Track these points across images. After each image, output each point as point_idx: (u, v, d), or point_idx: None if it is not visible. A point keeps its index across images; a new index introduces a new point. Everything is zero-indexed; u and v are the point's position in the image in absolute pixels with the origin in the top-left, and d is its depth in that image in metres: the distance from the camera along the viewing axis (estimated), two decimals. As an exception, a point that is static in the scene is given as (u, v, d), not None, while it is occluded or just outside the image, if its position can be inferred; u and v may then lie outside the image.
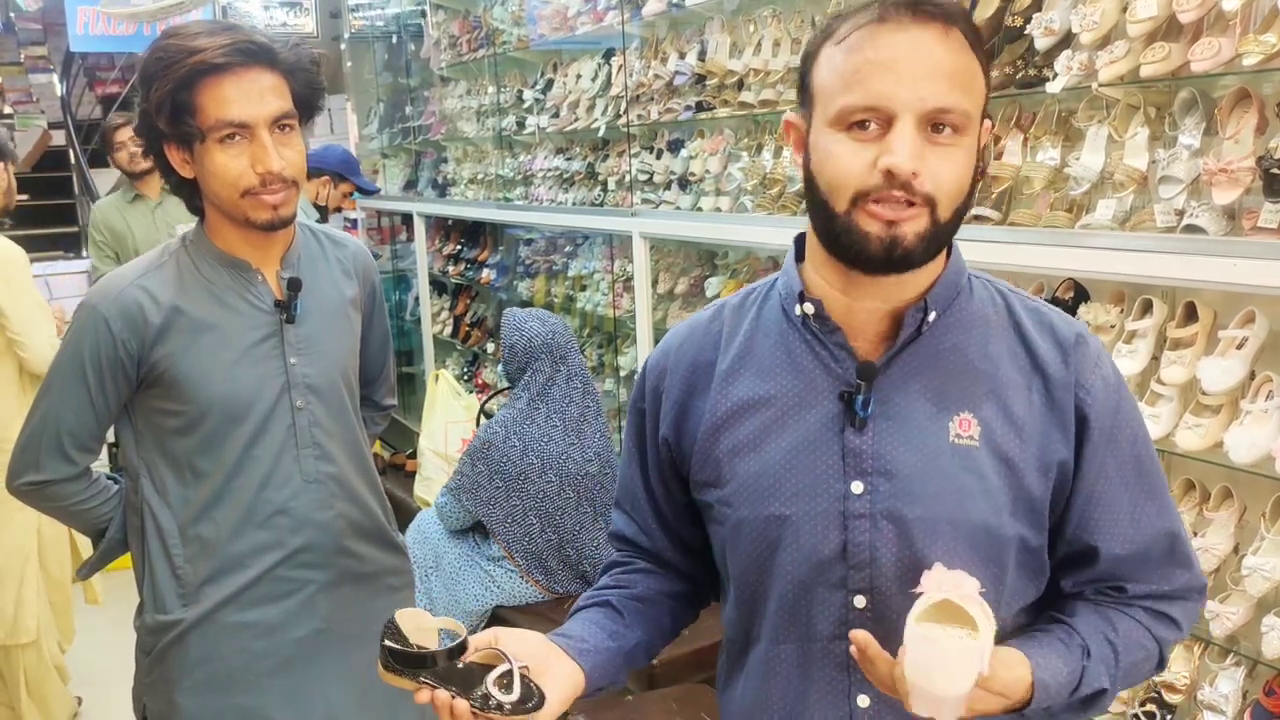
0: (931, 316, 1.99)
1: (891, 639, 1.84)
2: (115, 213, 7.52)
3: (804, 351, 2.05)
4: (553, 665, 2.05)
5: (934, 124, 1.84)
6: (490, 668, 1.96)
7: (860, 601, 1.98)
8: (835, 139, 1.87)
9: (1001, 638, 1.85)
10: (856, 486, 1.97)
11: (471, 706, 1.93)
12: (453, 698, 1.93)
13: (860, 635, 1.84)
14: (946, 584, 1.79)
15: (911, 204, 1.83)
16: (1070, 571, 2.10)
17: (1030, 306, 2.09)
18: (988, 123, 2.00)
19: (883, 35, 1.84)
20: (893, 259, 1.87)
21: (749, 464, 2.06)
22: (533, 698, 1.95)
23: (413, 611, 2.00)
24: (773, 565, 2.05)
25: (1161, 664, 2.14)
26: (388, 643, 1.96)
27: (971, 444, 1.97)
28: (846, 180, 1.85)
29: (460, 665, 1.96)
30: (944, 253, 2.00)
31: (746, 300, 2.19)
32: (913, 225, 1.84)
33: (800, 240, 2.11)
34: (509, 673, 1.95)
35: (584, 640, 2.15)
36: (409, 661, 1.95)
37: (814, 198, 1.94)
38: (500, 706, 1.92)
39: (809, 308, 2.02)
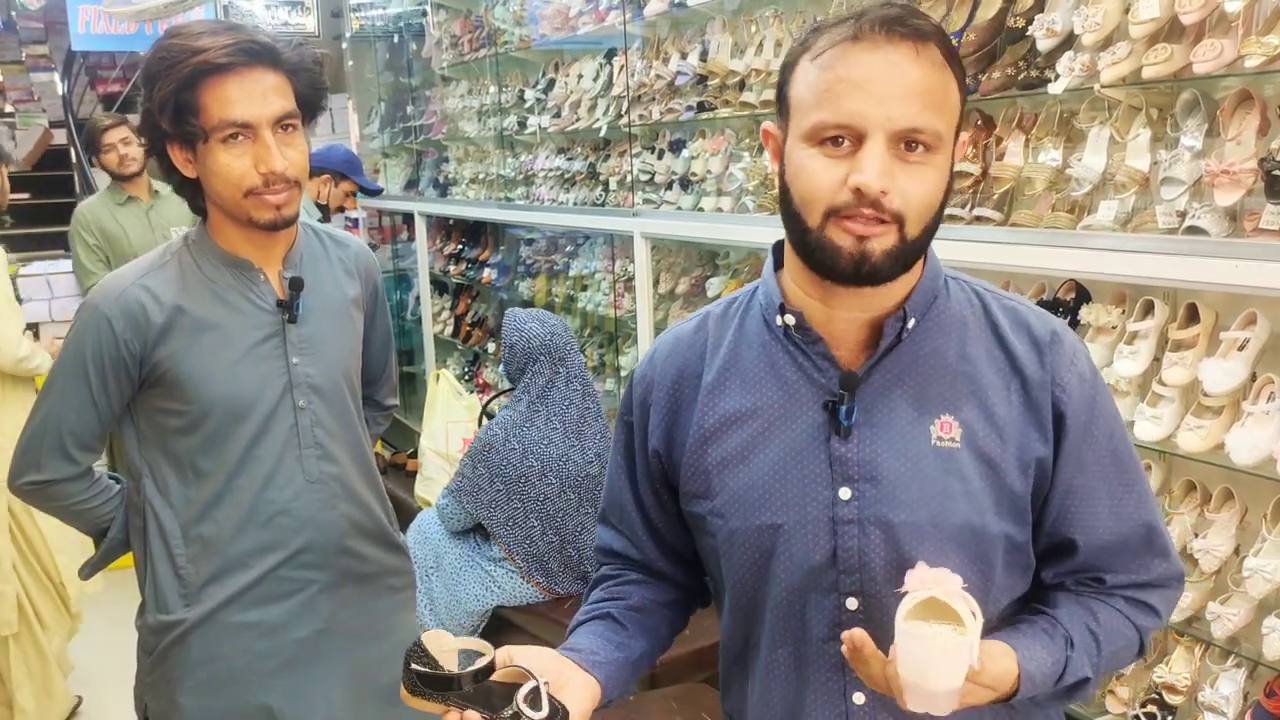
0: (911, 324, 2.04)
1: (884, 639, 1.88)
2: (106, 214, 7.41)
3: (787, 363, 2.09)
4: (569, 679, 2.05)
5: (906, 142, 1.87)
6: (511, 685, 1.96)
7: (852, 604, 2.03)
8: (808, 154, 1.92)
9: (989, 630, 1.89)
10: (844, 493, 2.02)
11: None
12: (486, 717, 1.92)
13: (857, 634, 1.87)
14: (930, 582, 1.82)
15: (882, 221, 1.87)
16: (1051, 563, 2.14)
17: (1007, 306, 2.12)
18: (963, 137, 2.04)
19: (856, 54, 1.88)
20: (861, 274, 1.91)
21: (738, 476, 2.10)
22: (559, 713, 1.96)
23: (435, 633, 1.99)
24: (768, 573, 2.09)
25: (1142, 651, 2.19)
26: (415, 666, 1.95)
27: (953, 446, 2.01)
28: (818, 195, 1.90)
29: (483, 685, 1.96)
30: (921, 262, 2.05)
31: (729, 310, 2.23)
32: (880, 242, 1.88)
33: (778, 248, 2.15)
34: (536, 689, 1.95)
35: (594, 653, 2.16)
36: (437, 684, 1.94)
37: (788, 209, 1.98)
38: None
39: (790, 319, 2.07)
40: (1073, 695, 2.08)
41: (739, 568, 2.13)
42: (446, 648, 1.98)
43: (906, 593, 1.83)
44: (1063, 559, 2.12)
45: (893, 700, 1.90)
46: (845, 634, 1.87)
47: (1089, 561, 2.11)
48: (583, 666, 2.10)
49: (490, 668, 1.96)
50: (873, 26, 1.88)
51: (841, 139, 1.88)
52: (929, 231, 1.95)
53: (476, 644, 2.00)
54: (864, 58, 1.87)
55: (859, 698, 2.06)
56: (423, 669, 1.94)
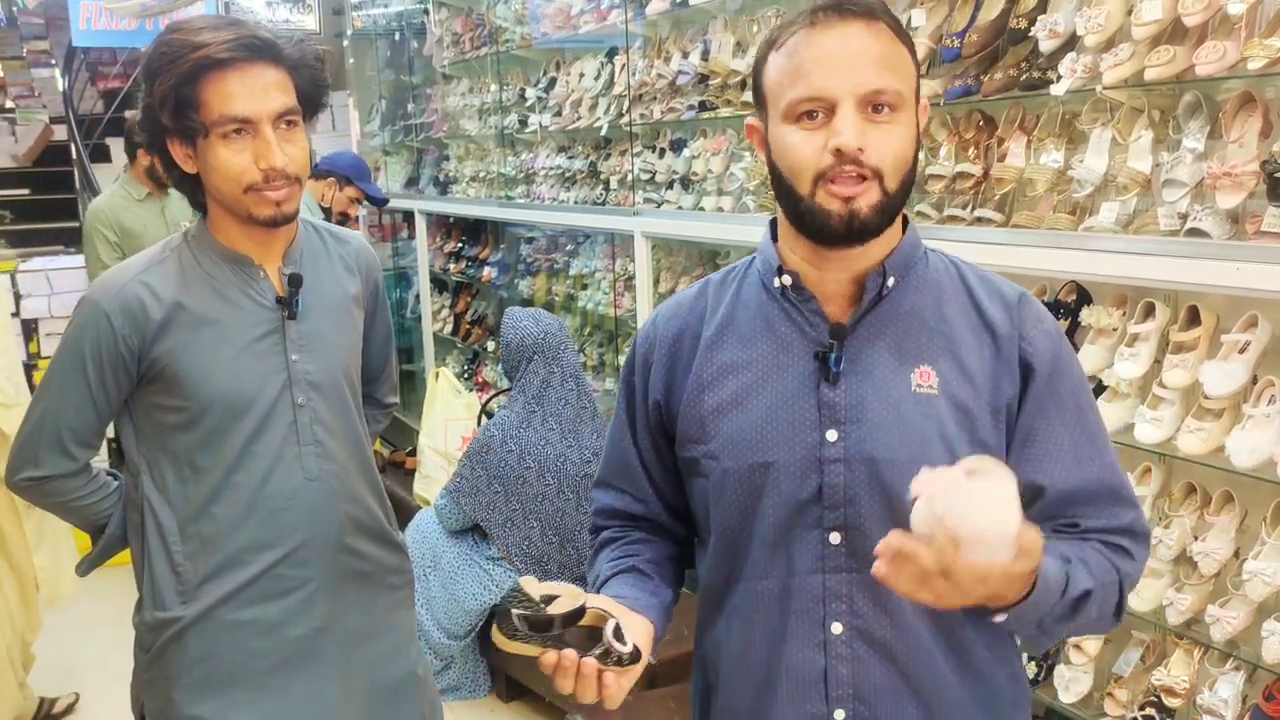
0: (890, 281, 2.21)
1: (864, 570, 2.03)
2: (126, 210, 7.23)
3: (781, 319, 2.26)
4: (630, 621, 2.17)
5: (872, 105, 2.06)
6: (589, 627, 2.06)
7: (835, 538, 2.18)
8: (789, 131, 2.11)
9: None
10: (831, 434, 2.18)
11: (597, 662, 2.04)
12: (580, 657, 2.02)
13: (892, 537, 1.88)
14: (937, 480, 1.85)
15: (863, 178, 2.06)
16: (1024, 511, 2.18)
17: (980, 275, 2.31)
18: (925, 101, 2.23)
19: (815, 35, 2.10)
20: (853, 231, 2.09)
21: (732, 420, 2.25)
22: (635, 651, 2.08)
23: (527, 579, 2.08)
24: (756, 511, 2.24)
25: (1120, 607, 2.21)
26: (517, 611, 2.02)
27: (931, 392, 2.17)
28: (804, 164, 2.08)
29: (570, 629, 2.05)
30: (900, 228, 2.25)
31: (728, 277, 2.40)
32: (866, 199, 2.06)
33: (773, 223, 2.34)
34: (618, 627, 2.06)
35: (637, 599, 2.28)
36: (538, 627, 2.02)
37: (780, 185, 2.17)
38: (620, 659, 2.04)
39: (787, 279, 2.24)
40: (1077, 612, 2.11)
41: (729, 506, 2.27)
42: (536, 593, 2.07)
43: (916, 498, 1.87)
44: (1033, 503, 2.15)
45: (867, 630, 2.16)
46: (880, 544, 1.89)
47: (1060, 507, 2.22)
48: (634, 610, 2.23)
49: (582, 611, 2.05)
50: (826, 11, 2.10)
51: (815, 112, 2.07)
52: (906, 185, 2.13)
53: (563, 588, 2.10)
54: (822, 38, 2.09)
55: (836, 627, 2.19)
56: (525, 612, 2.02)
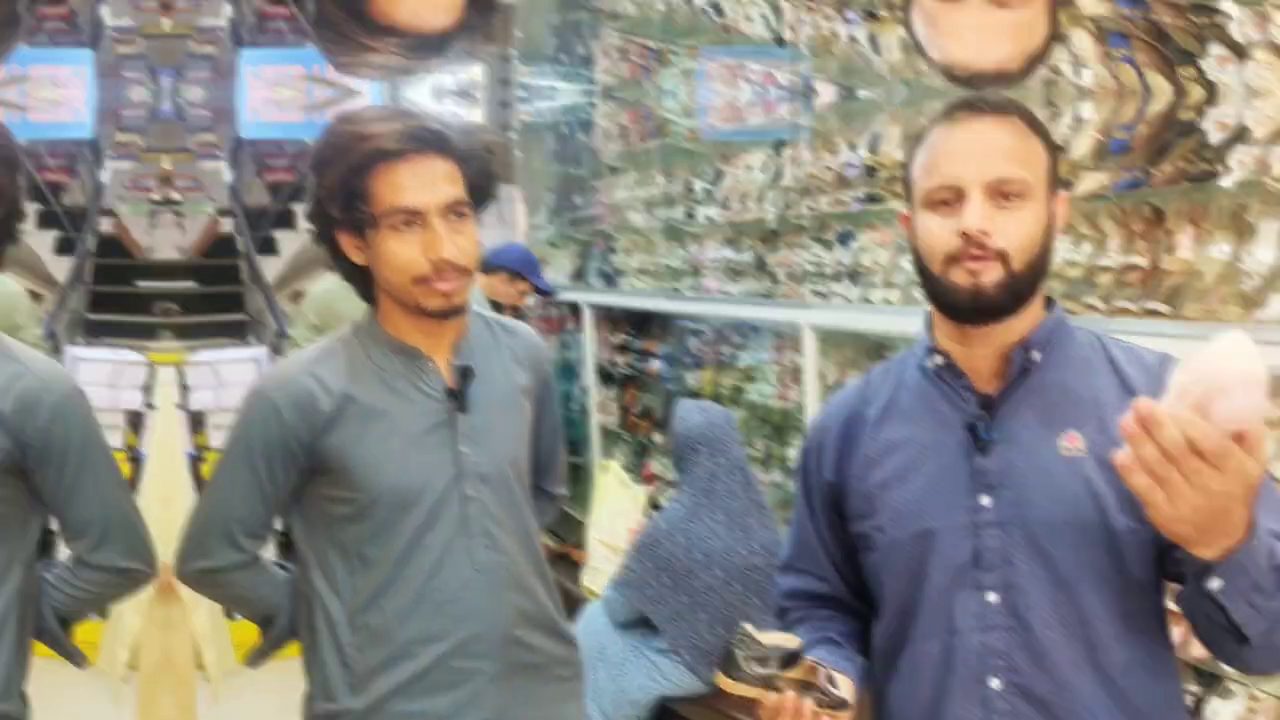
0: (1036, 355, 2.37)
1: (1023, 629, 2.29)
2: (342, 300, 7.16)
3: (937, 397, 2.45)
4: (836, 675, 2.33)
5: (1001, 193, 2.27)
6: (800, 680, 2.25)
7: (993, 598, 2.33)
8: (926, 216, 2.36)
9: (1130, 615, 2.30)
10: (985, 500, 2.34)
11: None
12: (799, 698, 2.22)
13: (1139, 402, 1.86)
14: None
15: (988, 258, 2.25)
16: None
17: (1124, 347, 2.45)
18: (1063, 193, 2.42)
19: (951, 130, 2.36)
20: (979, 306, 2.30)
21: (897, 494, 2.44)
22: (845, 698, 2.28)
23: (749, 626, 2.30)
24: (922, 576, 2.40)
25: None
26: (743, 652, 2.25)
27: (1079, 454, 2.30)
28: (936, 246, 2.32)
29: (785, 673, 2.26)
30: (1043, 307, 2.42)
31: (890, 367, 2.63)
32: (990, 275, 2.26)
33: (928, 315, 2.51)
34: (831, 675, 2.26)
35: (837, 662, 2.41)
36: (762, 662, 2.23)
37: (919, 265, 2.40)
38: (835, 703, 2.24)
39: (939, 359, 2.44)
40: None
41: (897, 574, 2.45)
42: (762, 640, 2.29)
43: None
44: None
45: (1025, 685, 2.28)
46: (1125, 420, 1.88)
47: None
48: (836, 670, 2.35)
49: (799, 653, 2.28)
50: (962, 108, 2.36)
51: (949, 199, 2.29)
52: (1035, 267, 2.32)
53: (781, 637, 2.34)
54: (957, 132, 2.34)
55: (995, 683, 2.31)
56: (750, 654, 2.25)
